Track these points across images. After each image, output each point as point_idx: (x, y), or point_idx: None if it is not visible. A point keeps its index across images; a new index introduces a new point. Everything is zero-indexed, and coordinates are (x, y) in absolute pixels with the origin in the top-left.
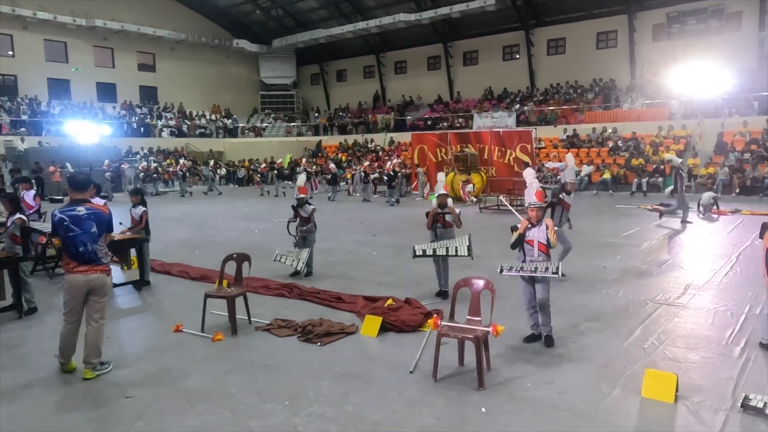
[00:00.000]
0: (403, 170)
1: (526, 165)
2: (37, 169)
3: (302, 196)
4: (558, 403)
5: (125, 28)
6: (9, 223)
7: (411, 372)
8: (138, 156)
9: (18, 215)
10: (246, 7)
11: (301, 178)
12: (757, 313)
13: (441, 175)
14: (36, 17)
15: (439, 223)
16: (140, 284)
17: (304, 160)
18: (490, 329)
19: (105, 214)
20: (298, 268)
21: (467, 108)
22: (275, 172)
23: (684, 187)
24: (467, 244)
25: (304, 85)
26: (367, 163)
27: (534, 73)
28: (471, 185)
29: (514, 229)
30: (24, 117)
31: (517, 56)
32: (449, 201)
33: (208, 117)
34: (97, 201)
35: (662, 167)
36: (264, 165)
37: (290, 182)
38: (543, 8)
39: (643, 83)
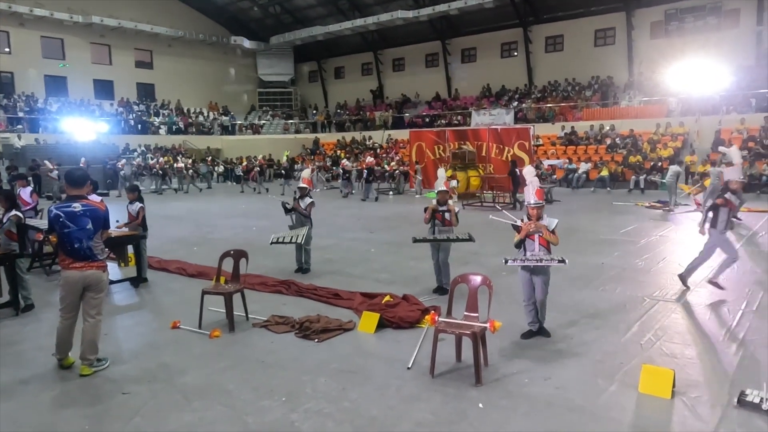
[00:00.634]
0: (401, 167)
1: (513, 163)
2: (34, 166)
3: (305, 186)
4: (555, 398)
5: (122, 24)
6: (5, 220)
7: (408, 368)
8: (135, 153)
9: (14, 212)
10: (243, 4)
11: (306, 172)
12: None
13: (441, 171)
14: (33, 14)
15: (438, 220)
16: (137, 281)
17: (303, 159)
18: (487, 325)
19: (101, 210)
20: (300, 242)
21: (465, 105)
22: (257, 169)
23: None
24: (465, 235)
25: (301, 82)
26: (345, 161)
27: (532, 70)
28: (455, 181)
29: (515, 227)
30: (21, 114)
31: (515, 53)
32: (450, 201)
33: (205, 114)
34: (94, 198)
35: (660, 164)
36: (245, 163)
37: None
38: (541, 5)
39: (641, 80)
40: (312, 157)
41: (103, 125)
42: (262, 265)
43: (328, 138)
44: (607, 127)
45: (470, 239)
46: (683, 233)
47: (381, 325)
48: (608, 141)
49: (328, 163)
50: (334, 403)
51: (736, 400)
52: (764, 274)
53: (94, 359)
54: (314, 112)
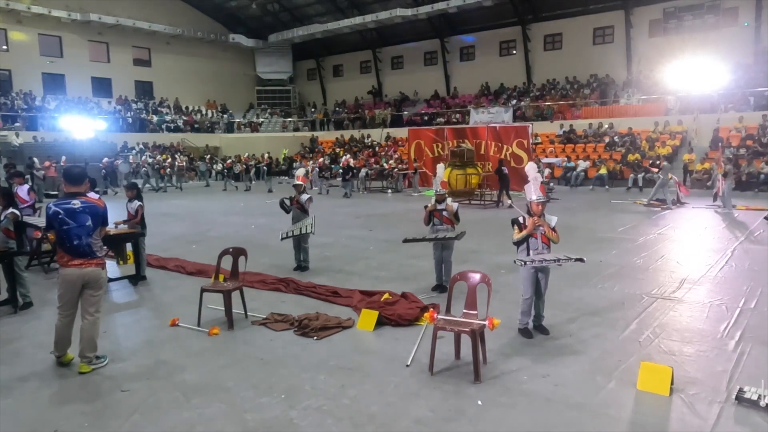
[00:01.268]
0: (400, 166)
1: (500, 161)
2: (31, 164)
3: (300, 183)
4: (554, 395)
5: (120, 22)
6: (2, 218)
7: (407, 365)
8: (134, 151)
9: (11, 210)
10: (242, 1)
11: (301, 170)
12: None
13: (440, 168)
14: (30, 11)
15: (437, 219)
16: (136, 279)
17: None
18: (486, 323)
19: (100, 207)
20: (310, 231)
21: (464, 103)
22: (244, 167)
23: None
24: (457, 233)
25: (300, 80)
26: (321, 159)
27: (531, 68)
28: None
29: (515, 222)
30: (20, 112)
31: (514, 52)
32: (449, 199)
33: (204, 112)
34: (92, 195)
35: (658, 162)
36: (230, 160)
37: (286, 177)
38: (540, 3)
39: (640, 79)
40: (311, 155)
41: (102, 123)
42: (261, 262)
43: (327, 136)
44: (606, 126)
45: (457, 238)
46: (681, 231)
47: (380, 323)
48: (607, 139)
49: (327, 161)
50: (333, 400)
51: (734, 397)
52: (762, 272)
53: (92, 357)
54: (313, 110)
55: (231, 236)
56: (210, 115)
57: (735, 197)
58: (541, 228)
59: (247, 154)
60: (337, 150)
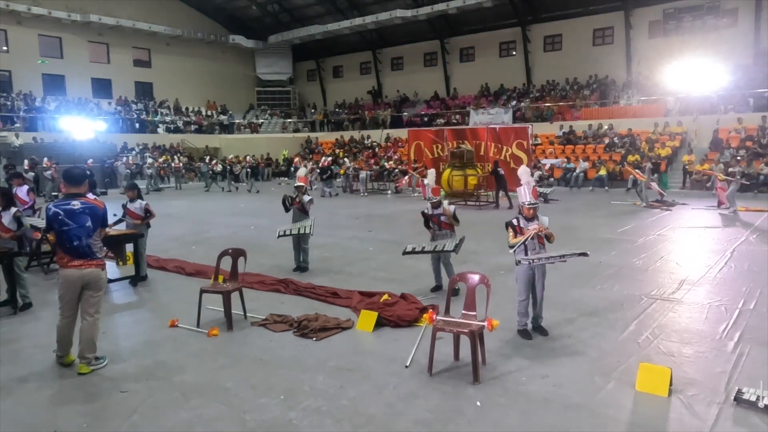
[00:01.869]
0: (400, 166)
1: (495, 163)
2: (38, 163)
3: (301, 184)
4: (553, 396)
5: (120, 23)
6: (22, 221)
7: (406, 366)
8: (134, 152)
9: (14, 209)
10: (242, 2)
11: (302, 171)
12: (751, 307)
13: (431, 174)
14: (30, 12)
15: (434, 224)
16: (136, 280)
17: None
18: (485, 324)
19: (100, 208)
20: (308, 232)
21: (464, 104)
22: (230, 168)
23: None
24: (456, 242)
25: (300, 81)
26: (323, 159)
27: (530, 69)
28: (425, 180)
29: (509, 224)
30: (20, 113)
31: (514, 53)
32: (445, 203)
33: (204, 113)
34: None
35: (658, 162)
36: (214, 161)
37: (286, 178)
38: (539, 4)
39: (640, 80)
40: (310, 156)
41: (102, 124)
42: (261, 263)
43: (327, 137)
44: (606, 127)
45: (455, 250)
46: (681, 232)
47: (379, 324)
48: (606, 140)
49: (329, 161)
50: (333, 401)
51: (733, 398)
52: (761, 273)
53: (92, 357)
54: (313, 111)
55: (230, 237)
56: (211, 115)
57: (735, 198)
58: (542, 232)
59: (231, 156)
60: (337, 151)
